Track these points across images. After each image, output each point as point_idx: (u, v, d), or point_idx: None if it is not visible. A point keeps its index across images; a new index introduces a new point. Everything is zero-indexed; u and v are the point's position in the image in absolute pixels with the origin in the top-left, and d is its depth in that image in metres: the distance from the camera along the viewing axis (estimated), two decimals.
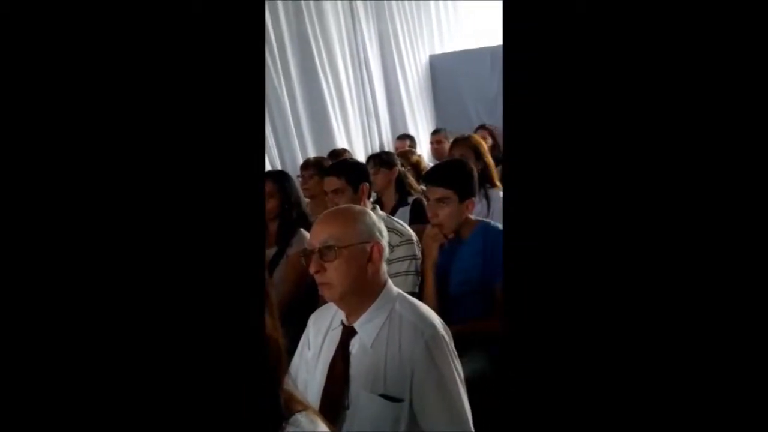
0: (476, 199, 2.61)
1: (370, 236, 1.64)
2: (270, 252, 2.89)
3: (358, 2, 5.92)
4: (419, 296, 2.35)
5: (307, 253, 1.65)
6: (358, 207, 1.80)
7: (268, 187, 2.95)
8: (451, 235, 2.48)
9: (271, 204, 2.93)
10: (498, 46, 6.89)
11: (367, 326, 1.64)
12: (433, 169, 2.73)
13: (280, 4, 4.95)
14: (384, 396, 1.57)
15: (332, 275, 1.60)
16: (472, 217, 2.54)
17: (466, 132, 4.45)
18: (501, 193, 3.38)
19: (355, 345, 1.65)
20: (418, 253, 2.58)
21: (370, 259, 1.63)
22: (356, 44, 5.90)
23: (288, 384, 1.13)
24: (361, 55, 5.95)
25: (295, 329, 1.83)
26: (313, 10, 5.28)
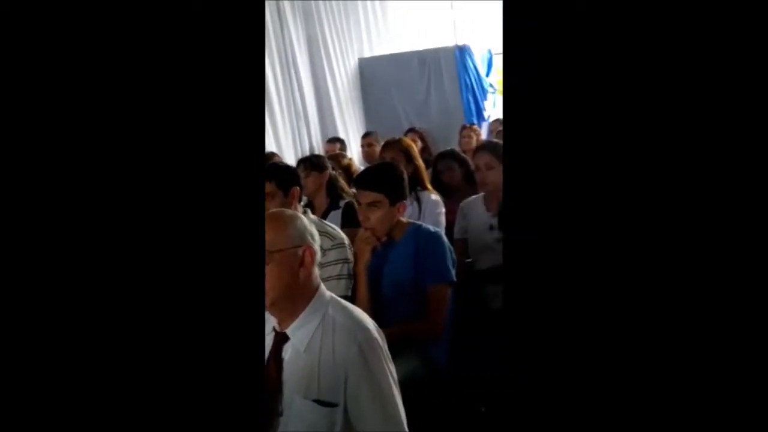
0: (407, 202, 2.62)
1: (301, 240, 1.63)
2: None
3: (285, 4, 5.88)
4: (352, 299, 2.34)
5: None
6: (288, 211, 1.78)
7: None
8: (383, 238, 2.49)
9: None
10: (425, 49, 6.99)
11: (299, 331, 1.63)
12: (363, 173, 2.73)
13: None
14: (318, 401, 1.56)
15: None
16: (404, 219, 2.56)
17: (396, 135, 4.48)
18: (432, 196, 3.41)
19: (287, 350, 1.63)
20: (350, 257, 2.58)
21: (302, 263, 1.62)
22: (284, 47, 5.85)
23: None
24: (290, 58, 5.91)
25: None
26: None
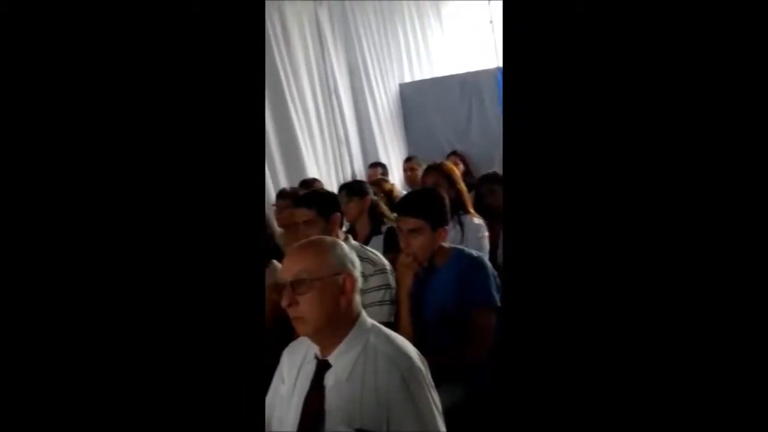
0: (450, 227, 2.60)
1: (342, 268, 1.62)
2: None
3: (326, 32, 5.96)
4: (394, 326, 2.33)
5: (279, 287, 1.62)
6: (329, 238, 1.78)
7: None
8: (425, 264, 2.47)
9: None
10: (466, 72, 6.97)
11: (341, 359, 1.62)
12: (404, 199, 2.72)
13: None
14: (360, 431, 1.54)
15: (305, 309, 1.58)
16: (446, 244, 2.54)
17: (438, 158, 4.46)
18: (475, 220, 3.38)
19: (329, 379, 1.62)
20: (393, 283, 2.56)
21: (342, 291, 1.61)
22: (325, 74, 5.92)
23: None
24: (331, 85, 5.97)
25: (268, 363, 1.80)
26: (282, 41, 5.30)
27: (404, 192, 4.58)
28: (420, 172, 4.75)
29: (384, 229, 3.51)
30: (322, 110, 5.78)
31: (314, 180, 4.73)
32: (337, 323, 1.62)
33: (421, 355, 1.66)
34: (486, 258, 2.62)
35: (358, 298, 1.67)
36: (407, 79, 7.22)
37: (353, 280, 1.63)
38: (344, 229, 3.06)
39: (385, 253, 2.89)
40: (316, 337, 1.64)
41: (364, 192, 3.63)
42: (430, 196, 2.56)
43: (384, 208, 3.73)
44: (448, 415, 1.66)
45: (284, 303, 1.59)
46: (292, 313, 1.60)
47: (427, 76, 7.38)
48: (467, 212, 3.45)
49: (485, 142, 6.55)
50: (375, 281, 2.54)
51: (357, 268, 1.67)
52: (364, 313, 1.69)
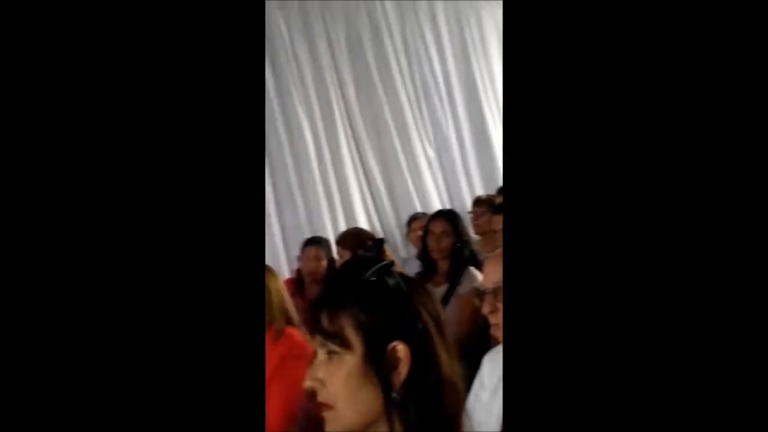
0: None
1: None
2: (440, 290, 2.91)
3: None
4: None
5: (480, 294, 1.64)
6: None
7: (442, 226, 2.99)
8: None
9: (445, 242, 2.97)
10: None
11: None
12: None
13: (447, 47, 5.08)
14: None
15: None
16: None
17: None
18: None
19: None
20: None
21: None
22: None
23: (466, 426, 1.12)
24: None
25: (468, 369, 1.82)
26: (479, 47, 5.36)
27: None
28: None
29: None
30: None
31: None
32: None
33: None
34: None
35: None
36: None
37: None
38: None
39: None
40: None
41: None
42: None
43: None
44: None
45: (486, 310, 1.60)
46: (493, 319, 1.60)
47: None
48: None
49: None
50: None
51: None
52: None
